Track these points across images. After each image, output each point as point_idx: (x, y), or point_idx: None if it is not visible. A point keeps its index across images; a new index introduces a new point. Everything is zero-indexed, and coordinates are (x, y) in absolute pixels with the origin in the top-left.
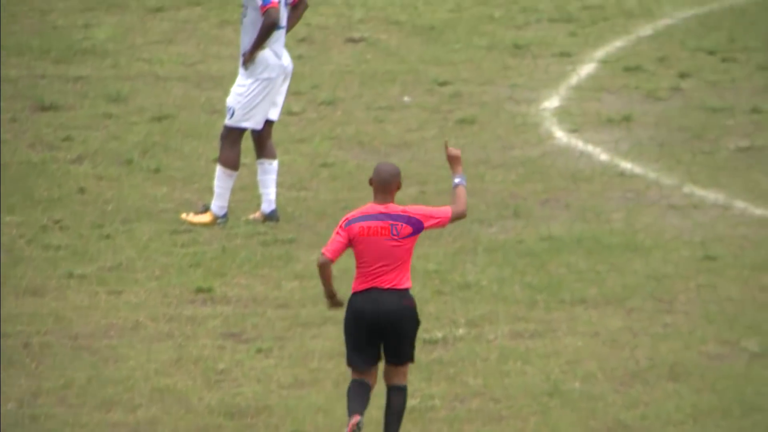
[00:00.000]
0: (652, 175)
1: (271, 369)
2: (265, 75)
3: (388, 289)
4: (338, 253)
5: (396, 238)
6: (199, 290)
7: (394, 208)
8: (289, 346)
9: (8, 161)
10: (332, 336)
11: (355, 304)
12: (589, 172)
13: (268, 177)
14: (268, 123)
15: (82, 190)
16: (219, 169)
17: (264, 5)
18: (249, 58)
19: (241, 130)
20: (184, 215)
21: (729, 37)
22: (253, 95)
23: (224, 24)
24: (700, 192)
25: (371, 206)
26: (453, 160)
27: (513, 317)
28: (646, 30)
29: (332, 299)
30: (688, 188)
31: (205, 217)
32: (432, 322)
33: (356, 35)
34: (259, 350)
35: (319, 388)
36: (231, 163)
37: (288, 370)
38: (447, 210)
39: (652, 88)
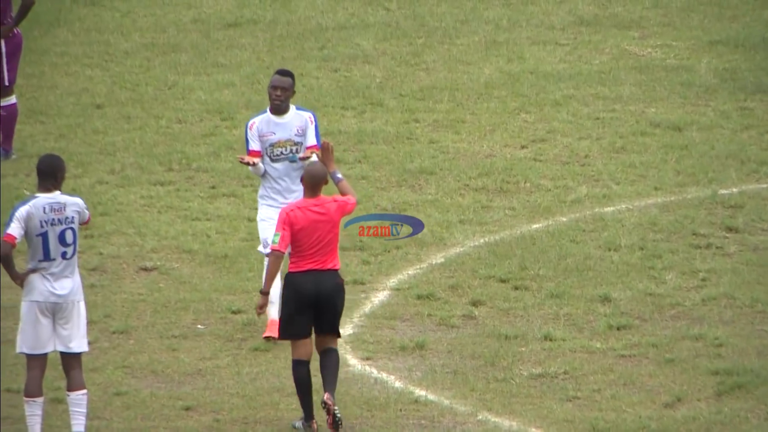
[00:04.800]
0: (446, 402)
1: None
2: (29, 298)
3: (325, 270)
4: (288, 245)
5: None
6: None
7: (324, 198)
8: None
9: None
10: None
11: (297, 283)
12: (384, 400)
13: (74, 409)
14: (68, 355)
15: None
16: None
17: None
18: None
19: (26, 356)
20: None
21: (520, 265)
22: (22, 319)
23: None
24: (494, 419)
25: (303, 200)
26: (328, 157)
27: None
28: (437, 258)
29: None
30: (482, 415)
31: None
32: None
33: (149, 264)
34: None
35: None
36: (25, 390)
37: None
38: (353, 200)
39: (444, 316)
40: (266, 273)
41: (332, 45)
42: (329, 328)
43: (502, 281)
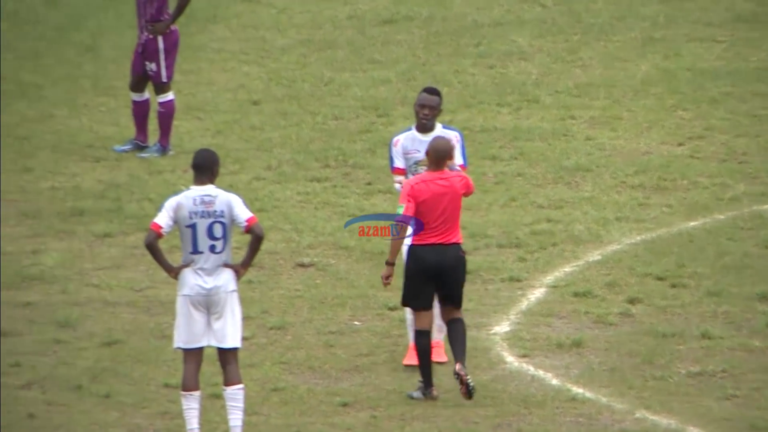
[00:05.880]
0: (603, 400)
1: None
2: (181, 292)
3: (449, 244)
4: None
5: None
6: None
7: (448, 172)
8: None
9: None
10: None
11: (420, 255)
12: (541, 397)
13: (230, 404)
14: (223, 350)
15: (31, 416)
16: None
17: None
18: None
19: (182, 351)
20: None
21: (677, 263)
22: (177, 314)
23: (174, 249)
24: (652, 417)
25: (428, 173)
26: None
27: None
28: (594, 256)
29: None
30: (640, 413)
31: None
32: None
33: (305, 260)
34: None
35: None
36: (182, 384)
37: None
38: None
39: (601, 314)
40: (392, 243)
41: (488, 41)
42: (452, 300)
43: (660, 279)
